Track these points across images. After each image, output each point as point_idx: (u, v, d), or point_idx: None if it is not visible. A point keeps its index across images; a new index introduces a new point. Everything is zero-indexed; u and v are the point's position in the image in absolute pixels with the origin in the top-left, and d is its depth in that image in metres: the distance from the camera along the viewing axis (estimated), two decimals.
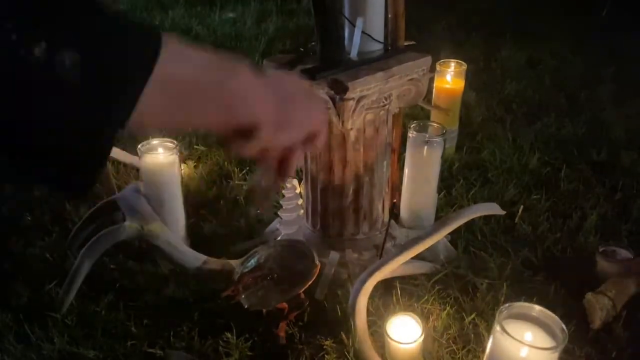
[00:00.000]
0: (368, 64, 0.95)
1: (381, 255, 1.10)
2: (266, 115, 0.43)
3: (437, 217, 1.22)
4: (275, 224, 1.24)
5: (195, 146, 1.61)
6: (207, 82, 0.38)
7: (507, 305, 0.76)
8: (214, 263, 1.08)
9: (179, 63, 0.36)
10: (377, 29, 0.99)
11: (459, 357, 0.93)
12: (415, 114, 1.74)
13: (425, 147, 1.12)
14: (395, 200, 1.21)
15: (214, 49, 0.41)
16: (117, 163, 1.49)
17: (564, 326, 0.72)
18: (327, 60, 0.94)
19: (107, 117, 0.32)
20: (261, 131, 0.43)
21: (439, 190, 1.23)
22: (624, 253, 1.10)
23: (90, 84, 0.29)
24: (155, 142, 1.14)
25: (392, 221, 1.17)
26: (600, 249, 1.11)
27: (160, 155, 1.12)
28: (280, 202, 1.17)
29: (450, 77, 1.57)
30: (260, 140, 0.44)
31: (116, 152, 1.47)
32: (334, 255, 1.11)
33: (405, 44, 1.06)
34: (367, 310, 0.94)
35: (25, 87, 0.26)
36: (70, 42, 0.28)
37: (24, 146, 0.30)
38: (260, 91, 0.43)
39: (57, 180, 0.33)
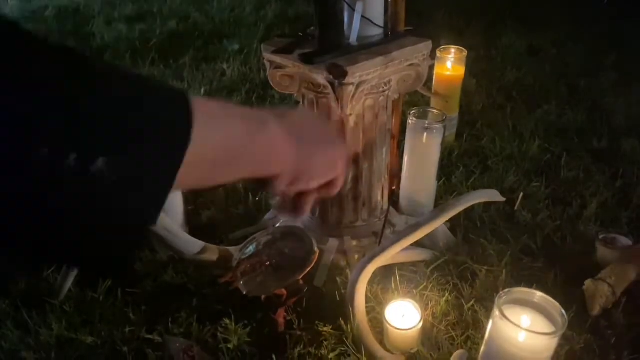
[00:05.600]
0: (368, 48, 0.94)
1: (380, 242, 1.10)
2: (286, 168, 0.44)
3: (437, 205, 1.22)
4: (274, 211, 1.24)
5: None
6: (238, 147, 0.38)
7: (506, 290, 0.75)
8: (213, 250, 1.08)
9: (210, 133, 0.35)
10: (377, 14, 0.98)
11: (458, 343, 0.93)
12: (415, 101, 1.73)
13: (425, 133, 1.11)
14: (394, 187, 1.20)
15: (237, 105, 0.41)
16: None
17: (563, 311, 0.71)
18: (326, 45, 0.93)
19: (141, 211, 0.31)
20: (279, 182, 0.44)
21: (439, 178, 1.22)
22: (624, 240, 1.10)
23: (123, 182, 0.29)
24: None
25: (391, 208, 1.16)
26: (601, 236, 1.11)
27: None
28: None
29: (450, 64, 1.56)
30: (276, 188, 0.44)
31: None
32: (333, 242, 1.10)
33: (405, 29, 1.05)
34: (366, 296, 0.94)
35: (62, 196, 0.28)
36: (98, 149, 0.28)
37: (64, 247, 0.31)
38: (285, 145, 0.43)
39: (98, 267, 0.35)
